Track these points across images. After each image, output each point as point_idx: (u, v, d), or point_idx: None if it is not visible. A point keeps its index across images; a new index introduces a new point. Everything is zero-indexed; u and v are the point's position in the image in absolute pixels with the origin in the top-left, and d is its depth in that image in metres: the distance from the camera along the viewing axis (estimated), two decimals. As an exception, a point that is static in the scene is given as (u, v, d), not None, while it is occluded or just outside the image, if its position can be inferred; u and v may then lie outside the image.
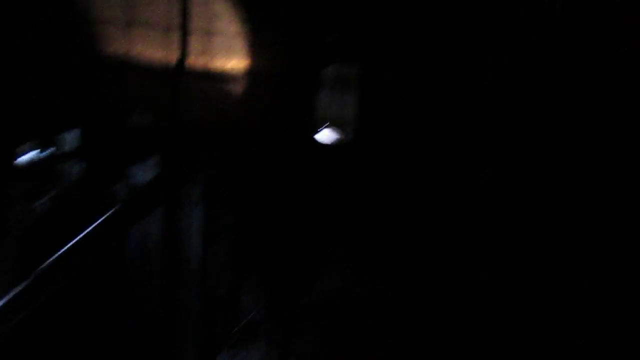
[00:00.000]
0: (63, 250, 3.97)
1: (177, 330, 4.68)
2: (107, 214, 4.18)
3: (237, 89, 4.21)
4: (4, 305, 3.50)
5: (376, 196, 4.58)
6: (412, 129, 4.53)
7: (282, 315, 4.67)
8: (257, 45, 4.14)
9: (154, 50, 4.23)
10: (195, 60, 4.20)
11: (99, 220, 4.15)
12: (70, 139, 4.74)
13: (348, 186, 4.59)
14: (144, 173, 4.59)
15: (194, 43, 4.17)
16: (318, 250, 4.67)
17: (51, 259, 3.89)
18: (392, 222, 4.53)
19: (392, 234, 4.52)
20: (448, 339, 4.45)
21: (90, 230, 4.12)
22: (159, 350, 4.71)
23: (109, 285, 4.70)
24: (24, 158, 4.59)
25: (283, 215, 4.59)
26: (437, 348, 4.46)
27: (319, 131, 4.53)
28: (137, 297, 4.74)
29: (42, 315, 4.11)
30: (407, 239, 4.51)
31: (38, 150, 4.65)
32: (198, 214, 4.54)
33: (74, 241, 4.00)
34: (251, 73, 4.17)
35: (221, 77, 4.21)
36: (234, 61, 4.18)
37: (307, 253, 4.68)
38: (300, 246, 4.67)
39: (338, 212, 4.61)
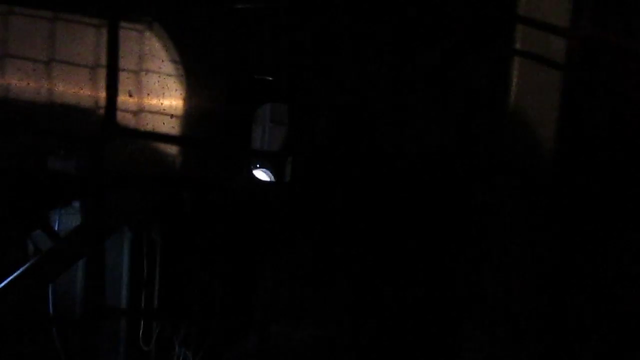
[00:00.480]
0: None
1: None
2: (29, 264, 3.95)
3: (172, 129, 4.06)
4: None
5: (310, 238, 4.49)
6: (345, 171, 4.48)
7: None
8: (192, 85, 4.00)
9: (79, 89, 4.01)
10: (126, 100, 4.01)
11: (19, 271, 3.92)
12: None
13: (283, 227, 4.48)
14: (66, 219, 4.36)
15: (125, 81, 3.98)
16: (255, 294, 4.52)
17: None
18: (330, 265, 4.44)
19: (331, 277, 4.43)
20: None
21: (10, 281, 3.89)
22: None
23: (30, 336, 4.44)
24: None
25: (218, 259, 4.44)
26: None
27: (254, 172, 4.43)
28: (60, 349, 4.49)
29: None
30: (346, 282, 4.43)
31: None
32: (126, 261, 4.35)
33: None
34: (186, 113, 4.03)
35: (154, 117, 4.04)
36: (167, 101, 4.02)
37: (244, 297, 4.54)
38: (237, 290, 4.53)
39: (275, 254, 4.49)
